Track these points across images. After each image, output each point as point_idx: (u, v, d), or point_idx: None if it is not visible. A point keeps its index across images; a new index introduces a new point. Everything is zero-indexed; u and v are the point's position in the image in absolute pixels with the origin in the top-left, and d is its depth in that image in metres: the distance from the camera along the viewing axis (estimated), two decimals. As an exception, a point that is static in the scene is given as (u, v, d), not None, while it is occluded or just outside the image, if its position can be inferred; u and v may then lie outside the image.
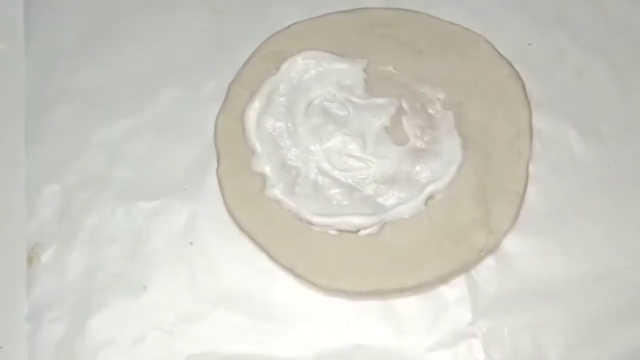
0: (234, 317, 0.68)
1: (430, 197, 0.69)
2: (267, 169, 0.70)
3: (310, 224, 0.69)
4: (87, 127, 0.75)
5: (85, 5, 0.80)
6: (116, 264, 0.70)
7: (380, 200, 0.69)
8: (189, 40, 0.78)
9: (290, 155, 0.71)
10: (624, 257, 0.69)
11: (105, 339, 0.68)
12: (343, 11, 0.76)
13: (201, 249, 0.70)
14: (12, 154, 0.75)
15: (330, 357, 0.67)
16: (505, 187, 0.70)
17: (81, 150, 0.74)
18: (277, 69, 0.73)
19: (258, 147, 0.71)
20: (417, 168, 0.70)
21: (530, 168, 0.71)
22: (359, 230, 0.68)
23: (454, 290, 0.68)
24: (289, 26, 0.76)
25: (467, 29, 0.75)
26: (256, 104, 0.71)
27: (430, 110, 0.72)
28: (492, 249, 0.69)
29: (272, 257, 0.69)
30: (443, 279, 0.68)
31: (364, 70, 0.73)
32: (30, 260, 0.70)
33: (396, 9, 0.76)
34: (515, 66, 0.74)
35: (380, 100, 0.71)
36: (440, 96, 0.72)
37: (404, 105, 0.71)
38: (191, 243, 0.71)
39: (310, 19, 0.76)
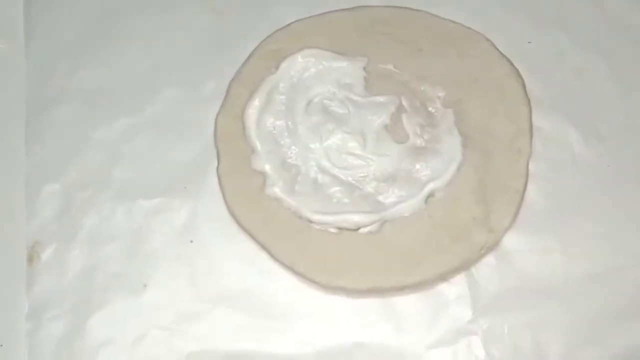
0: (234, 316, 0.68)
1: (431, 195, 0.69)
2: (267, 167, 0.70)
3: (311, 222, 0.69)
4: (87, 127, 0.75)
5: (85, 5, 0.80)
6: (116, 263, 0.70)
7: (380, 198, 0.69)
8: (189, 40, 0.78)
9: (291, 153, 0.71)
10: (623, 255, 0.69)
11: (105, 337, 0.68)
12: (343, 9, 0.76)
13: (201, 247, 0.70)
14: (13, 153, 0.75)
15: (330, 355, 0.67)
16: (505, 185, 0.70)
17: (81, 150, 0.74)
18: (277, 67, 0.73)
19: (258, 145, 0.71)
20: (417, 166, 0.70)
21: (530, 166, 0.71)
22: (359, 228, 0.68)
23: (454, 288, 0.68)
24: (289, 24, 0.76)
25: (467, 28, 0.75)
26: (256, 103, 0.72)
27: (430, 109, 0.72)
28: (492, 246, 0.69)
29: (272, 255, 0.69)
30: (443, 277, 0.68)
31: (364, 68, 0.73)
32: (30, 259, 0.70)
33: (396, 7, 0.76)
34: (515, 64, 0.74)
35: (381, 99, 0.71)
36: (440, 94, 0.73)
37: (404, 103, 0.71)
38: (191, 241, 0.71)
39: (310, 17, 0.76)
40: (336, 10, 0.76)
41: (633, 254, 0.70)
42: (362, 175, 0.70)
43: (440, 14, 0.76)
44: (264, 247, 0.69)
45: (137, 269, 0.70)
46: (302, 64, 0.73)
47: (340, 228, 0.68)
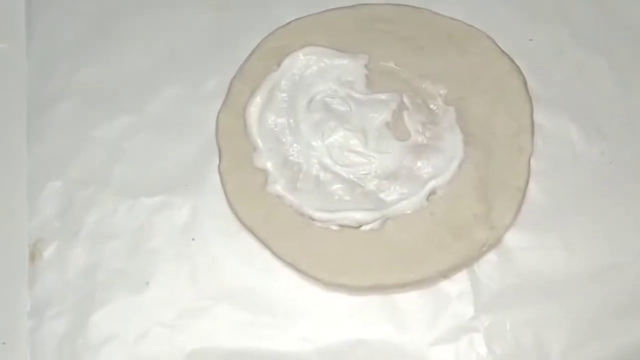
0: (236, 313, 0.68)
1: (432, 192, 0.69)
2: (269, 165, 0.70)
3: (312, 219, 0.69)
4: (88, 125, 0.75)
5: (85, 5, 0.80)
6: (118, 261, 0.70)
7: (382, 195, 0.69)
8: (190, 38, 0.78)
9: (292, 151, 0.71)
10: (625, 252, 0.70)
11: (107, 335, 0.68)
12: (344, 7, 0.76)
13: (203, 245, 0.70)
14: (14, 151, 0.75)
15: (332, 352, 0.67)
16: (507, 182, 0.70)
17: (83, 148, 0.74)
18: (279, 64, 0.73)
19: (260, 143, 0.71)
20: (419, 164, 0.70)
21: (532, 164, 0.71)
22: (360, 226, 0.68)
23: (456, 285, 0.68)
24: (290, 22, 0.76)
25: (468, 25, 0.75)
26: (258, 100, 0.72)
27: (431, 106, 0.72)
28: (493, 244, 0.69)
29: (273, 253, 0.69)
30: (445, 274, 0.68)
31: (366, 66, 0.73)
32: (32, 257, 0.70)
33: (397, 4, 0.76)
34: (516, 62, 0.74)
35: (382, 96, 0.71)
36: (441, 92, 0.73)
37: (406, 100, 0.71)
38: (193, 239, 0.71)
39: (311, 14, 0.76)
40: (337, 8, 0.76)
41: (634, 251, 0.70)
42: (364, 172, 0.70)
43: (441, 12, 0.76)
44: (265, 244, 0.69)
45: (139, 267, 0.70)
46: (304, 62, 0.73)
47: (342, 225, 0.68)
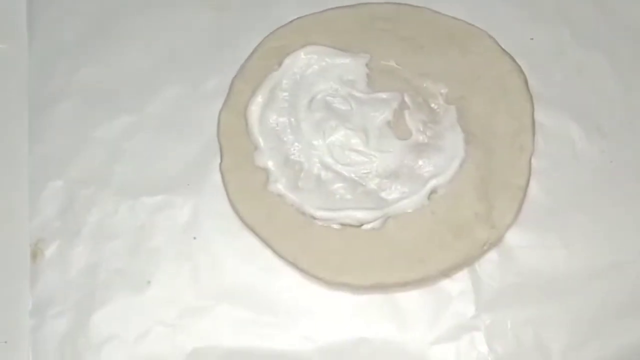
0: (238, 312, 0.68)
1: (433, 191, 0.69)
2: (270, 164, 0.70)
3: (314, 218, 0.69)
4: (89, 124, 0.75)
5: (86, 5, 0.80)
6: (119, 260, 0.70)
7: (383, 194, 0.69)
8: (190, 38, 0.78)
9: (293, 150, 0.71)
10: (626, 251, 0.70)
11: (108, 334, 0.68)
12: (345, 6, 0.76)
13: (204, 244, 0.70)
14: (15, 151, 0.75)
15: (333, 351, 0.67)
16: (508, 181, 0.70)
17: (84, 147, 0.74)
18: (280, 64, 0.73)
19: (261, 142, 0.71)
20: (420, 162, 0.70)
21: (533, 163, 0.71)
22: (362, 225, 0.68)
23: (457, 284, 0.68)
24: (291, 21, 0.76)
25: (469, 24, 0.75)
26: (259, 99, 0.72)
27: (432, 105, 0.72)
28: (494, 243, 0.69)
29: (275, 252, 0.69)
30: (446, 273, 0.68)
31: (367, 65, 0.73)
32: (34, 256, 0.70)
33: (398, 3, 0.76)
34: (517, 61, 0.74)
35: (383, 95, 0.72)
36: (442, 91, 0.73)
37: (407, 99, 0.72)
38: (194, 238, 0.71)
39: (312, 14, 0.76)
40: (337, 7, 0.76)
41: (635, 251, 0.70)
42: (365, 171, 0.70)
43: (442, 10, 0.76)
44: (267, 243, 0.69)
45: (141, 266, 0.70)
46: (305, 61, 0.73)
47: (343, 224, 0.69)
